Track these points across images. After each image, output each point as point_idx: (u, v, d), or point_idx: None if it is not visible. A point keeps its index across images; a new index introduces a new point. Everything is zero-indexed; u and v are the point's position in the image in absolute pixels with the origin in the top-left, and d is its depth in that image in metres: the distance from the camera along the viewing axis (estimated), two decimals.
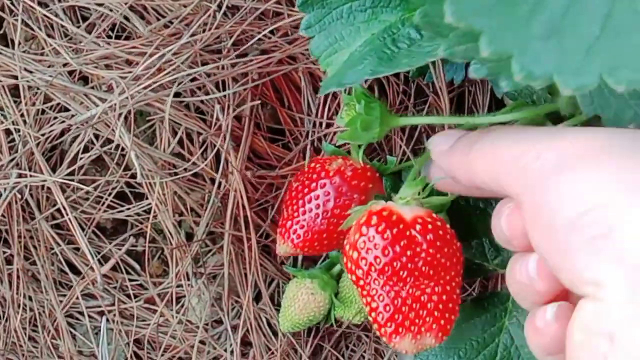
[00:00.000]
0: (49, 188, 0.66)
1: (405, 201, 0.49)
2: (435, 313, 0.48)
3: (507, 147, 0.38)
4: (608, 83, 0.28)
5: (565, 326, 0.36)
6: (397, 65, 0.45)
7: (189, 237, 0.68)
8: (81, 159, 0.65)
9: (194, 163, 0.64)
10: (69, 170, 0.65)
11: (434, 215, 0.49)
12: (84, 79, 0.66)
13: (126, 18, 0.65)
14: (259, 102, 0.65)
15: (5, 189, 0.65)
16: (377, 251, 0.47)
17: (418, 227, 0.48)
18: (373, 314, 0.48)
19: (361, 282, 0.48)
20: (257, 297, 0.69)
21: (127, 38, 0.66)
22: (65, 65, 0.63)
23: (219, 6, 0.62)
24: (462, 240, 0.51)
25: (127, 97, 0.60)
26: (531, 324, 0.40)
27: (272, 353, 0.68)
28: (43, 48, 0.65)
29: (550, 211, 0.34)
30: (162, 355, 0.68)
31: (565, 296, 0.40)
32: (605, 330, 0.31)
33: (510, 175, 0.38)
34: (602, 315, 0.31)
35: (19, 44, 0.65)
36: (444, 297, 0.48)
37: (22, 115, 0.65)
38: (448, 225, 0.49)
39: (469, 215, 0.57)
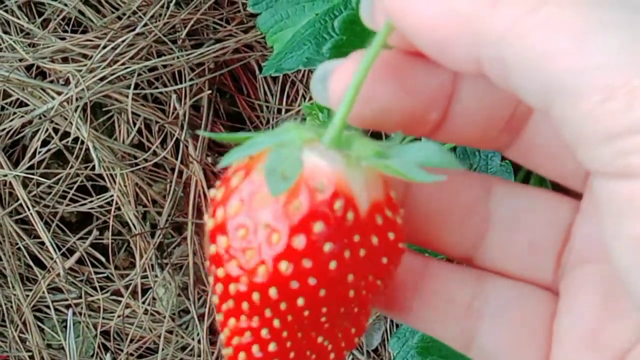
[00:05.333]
0: (11, 183, 0.67)
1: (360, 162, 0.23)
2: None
3: None
4: None
5: None
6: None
7: (154, 228, 0.69)
8: (41, 153, 0.65)
9: (154, 153, 0.65)
10: (29, 164, 0.65)
11: (395, 202, 0.24)
12: (42, 74, 0.66)
13: (81, 12, 0.66)
14: (211, 91, 0.66)
15: None
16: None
17: (375, 239, 0.23)
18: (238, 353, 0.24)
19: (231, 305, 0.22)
20: None
21: (83, 32, 0.66)
22: (21, 60, 0.64)
23: None
24: None
25: (83, 89, 0.61)
26: None
27: None
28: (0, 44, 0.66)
29: None
30: (130, 345, 0.68)
31: None
32: None
33: None
34: None
35: None
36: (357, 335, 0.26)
37: None
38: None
39: None
